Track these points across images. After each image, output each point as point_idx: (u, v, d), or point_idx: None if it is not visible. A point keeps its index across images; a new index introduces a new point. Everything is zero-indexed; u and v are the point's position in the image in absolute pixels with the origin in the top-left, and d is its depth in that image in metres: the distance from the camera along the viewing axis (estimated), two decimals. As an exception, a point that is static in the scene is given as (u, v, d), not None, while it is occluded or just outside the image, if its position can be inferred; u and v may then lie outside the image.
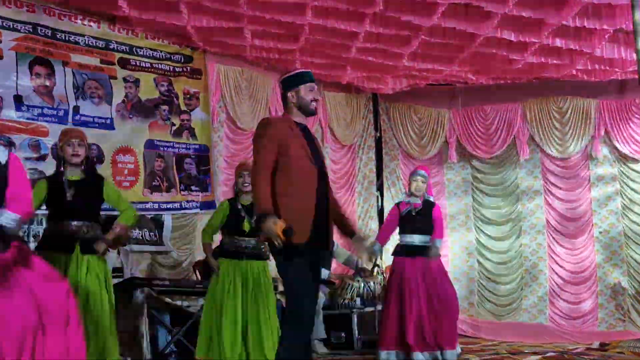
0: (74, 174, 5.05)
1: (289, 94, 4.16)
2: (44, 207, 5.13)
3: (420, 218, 6.73)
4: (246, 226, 5.93)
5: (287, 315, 3.94)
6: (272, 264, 7.99)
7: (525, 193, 10.52)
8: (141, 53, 8.14)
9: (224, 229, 6.03)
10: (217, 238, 6.27)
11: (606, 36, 7.93)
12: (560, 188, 10.32)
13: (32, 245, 6.01)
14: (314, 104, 4.16)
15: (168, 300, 6.79)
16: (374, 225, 10.86)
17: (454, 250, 10.69)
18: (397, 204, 6.94)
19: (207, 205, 8.45)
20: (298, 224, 3.81)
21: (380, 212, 10.97)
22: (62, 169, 5.08)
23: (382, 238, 6.92)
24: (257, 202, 3.85)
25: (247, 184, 5.88)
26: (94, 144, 7.42)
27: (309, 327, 3.95)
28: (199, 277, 7.53)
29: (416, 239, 6.71)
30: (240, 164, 6.25)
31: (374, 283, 8.14)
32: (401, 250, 6.75)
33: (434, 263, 6.65)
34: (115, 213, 5.33)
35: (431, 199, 6.90)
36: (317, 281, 4.13)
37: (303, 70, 4.28)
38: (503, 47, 8.31)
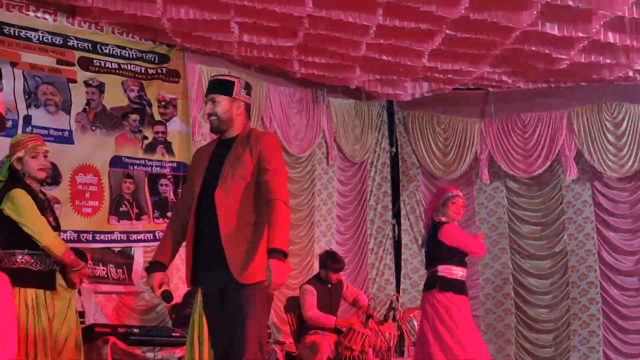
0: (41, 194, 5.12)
1: None
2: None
3: None
4: None
5: None
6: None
7: (572, 221, 10.43)
8: (106, 51, 8.12)
9: None
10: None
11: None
12: (615, 215, 10.23)
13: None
14: (210, 119, 4.33)
15: (138, 352, 6.74)
16: (388, 259, 10.76)
17: (486, 290, 10.60)
18: None
19: (187, 235, 8.37)
20: (187, 267, 4.22)
21: (397, 243, 10.86)
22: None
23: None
24: None
25: None
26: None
27: None
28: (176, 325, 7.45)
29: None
30: None
31: (389, 332, 8.01)
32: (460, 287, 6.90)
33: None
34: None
35: None
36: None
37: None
38: (545, 43, 8.28)
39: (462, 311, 6.76)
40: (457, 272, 6.84)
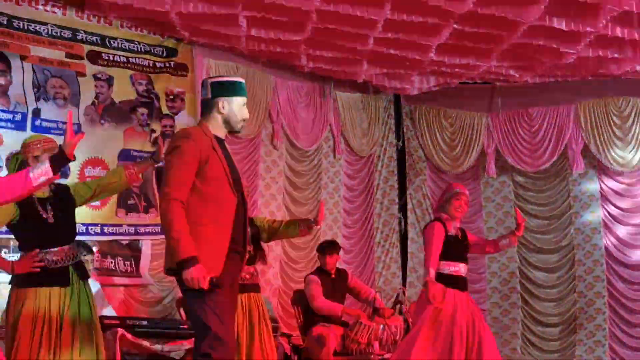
0: (41, 191, 5.06)
1: (220, 101, 4.24)
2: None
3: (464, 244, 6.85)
4: None
5: None
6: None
7: (579, 214, 10.41)
8: (115, 45, 8.11)
9: None
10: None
11: (678, 24, 7.88)
12: (622, 209, 10.21)
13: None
14: (242, 123, 4.34)
15: (146, 344, 6.76)
16: (394, 253, 10.76)
17: (493, 284, 10.59)
18: (442, 222, 6.84)
19: (194, 228, 8.37)
20: (210, 257, 3.98)
21: (404, 237, 10.88)
22: None
23: (435, 263, 6.75)
24: (176, 242, 3.93)
25: None
26: (58, 154, 7.38)
27: None
28: (183, 317, 7.46)
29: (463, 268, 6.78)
30: None
31: (395, 325, 8.02)
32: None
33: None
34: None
35: None
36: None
37: (238, 79, 4.38)
38: (552, 37, 8.25)
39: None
40: (450, 268, 6.72)
